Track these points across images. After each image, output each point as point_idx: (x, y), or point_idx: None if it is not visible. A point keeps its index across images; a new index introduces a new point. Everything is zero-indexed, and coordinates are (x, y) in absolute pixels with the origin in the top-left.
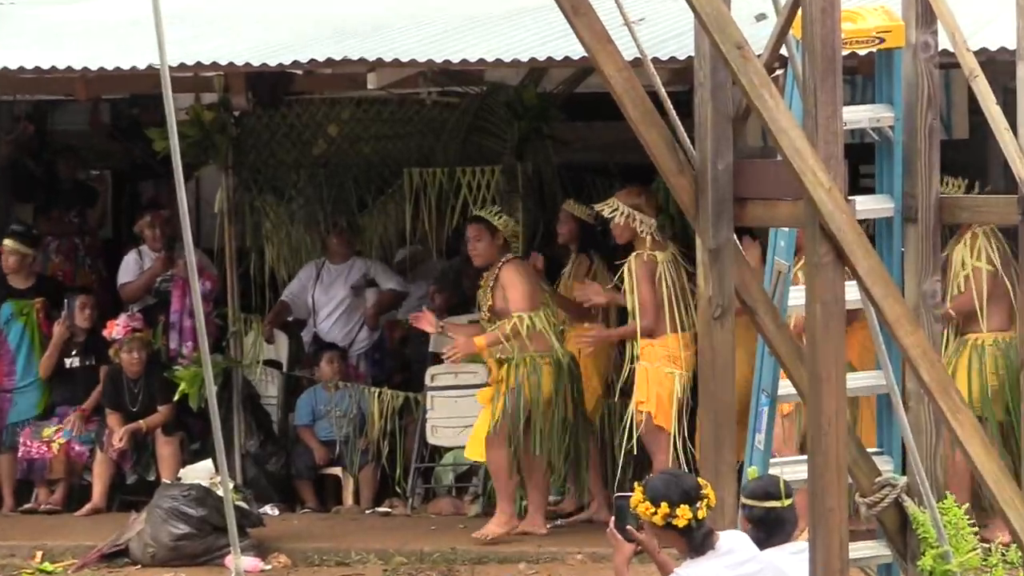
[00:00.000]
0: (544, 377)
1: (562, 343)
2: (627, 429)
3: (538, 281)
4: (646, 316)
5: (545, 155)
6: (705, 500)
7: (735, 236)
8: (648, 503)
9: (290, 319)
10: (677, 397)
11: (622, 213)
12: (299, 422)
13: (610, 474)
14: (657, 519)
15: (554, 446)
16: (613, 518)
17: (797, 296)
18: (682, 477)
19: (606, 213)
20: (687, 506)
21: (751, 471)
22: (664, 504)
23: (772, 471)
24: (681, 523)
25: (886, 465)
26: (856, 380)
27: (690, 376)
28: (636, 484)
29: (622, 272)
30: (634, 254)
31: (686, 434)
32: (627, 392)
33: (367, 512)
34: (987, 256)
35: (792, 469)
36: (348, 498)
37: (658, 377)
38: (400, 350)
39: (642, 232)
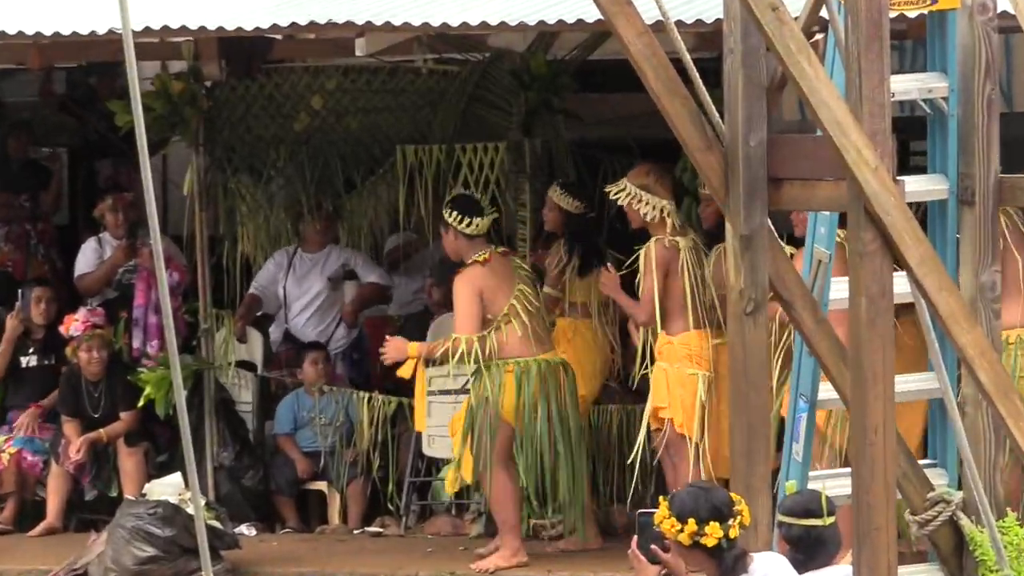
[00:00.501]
0: (506, 388)
1: (547, 347)
2: (642, 439)
3: (495, 281)
4: (641, 310)
5: (555, 130)
6: (738, 517)
7: (769, 221)
8: (674, 519)
9: (260, 314)
10: (701, 400)
11: (628, 194)
12: (279, 431)
13: (604, 490)
14: (684, 537)
15: (524, 463)
16: (635, 537)
17: (839, 288)
18: (712, 491)
19: (612, 195)
20: (717, 523)
21: (789, 485)
22: (691, 520)
23: (812, 485)
24: (710, 542)
25: (939, 479)
26: (906, 383)
27: (713, 377)
28: (660, 499)
29: (637, 258)
30: (653, 239)
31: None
32: (612, 395)
33: (356, 532)
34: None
35: (835, 483)
36: (334, 516)
37: (680, 378)
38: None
39: (649, 216)
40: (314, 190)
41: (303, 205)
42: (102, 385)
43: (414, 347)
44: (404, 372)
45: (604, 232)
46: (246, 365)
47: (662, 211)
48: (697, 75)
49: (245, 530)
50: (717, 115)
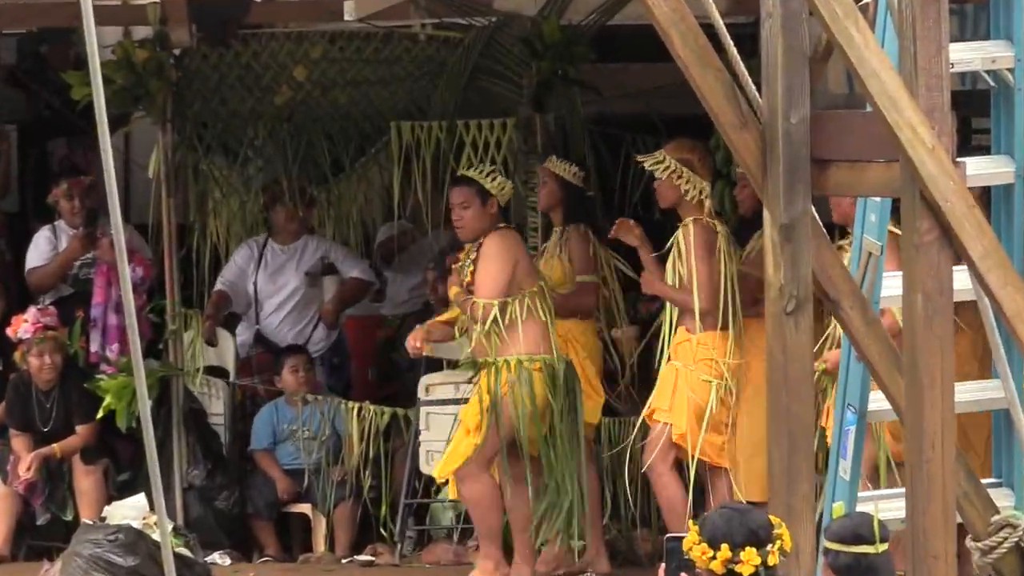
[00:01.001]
0: (536, 386)
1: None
2: (631, 444)
3: (528, 260)
4: (707, 297)
5: (570, 105)
6: (777, 543)
7: (813, 207)
8: (705, 545)
9: (228, 313)
10: (712, 412)
11: (667, 167)
12: (257, 446)
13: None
14: (716, 565)
15: (561, 474)
16: (663, 565)
17: (892, 285)
18: (748, 513)
19: (648, 166)
20: (754, 549)
21: (836, 507)
22: (725, 546)
23: (862, 507)
24: (746, 570)
25: (1005, 500)
26: (967, 392)
27: (731, 389)
28: (690, 522)
29: (673, 243)
30: (691, 218)
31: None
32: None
33: (344, 561)
34: None
35: (887, 505)
36: (320, 543)
37: (691, 383)
38: (386, 355)
39: (689, 195)
40: (296, 173)
41: (282, 190)
42: (55, 394)
43: (454, 289)
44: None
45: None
46: (217, 371)
47: (700, 193)
48: (731, 43)
49: (218, 559)
50: (754, 88)
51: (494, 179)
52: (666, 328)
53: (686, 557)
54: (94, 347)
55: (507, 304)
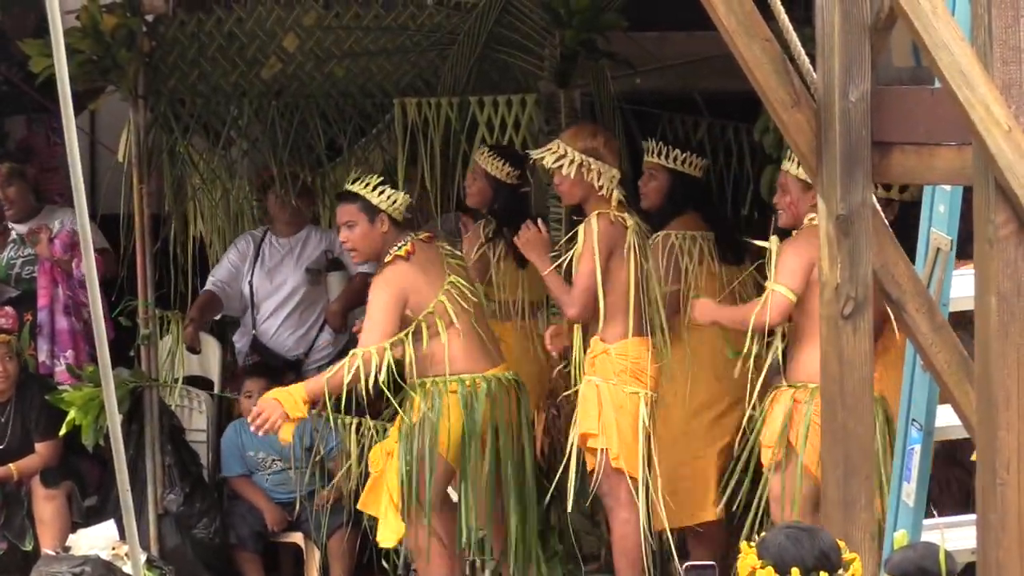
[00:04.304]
0: (452, 410)
1: (496, 359)
2: (572, 472)
3: (433, 278)
4: (577, 301)
5: (599, 80)
6: (850, 568)
7: (873, 198)
8: (770, 569)
9: (219, 317)
10: (645, 426)
11: (571, 161)
12: (228, 473)
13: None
14: None
15: (465, 507)
16: None
17: (963, 285)
18: (818, 533)
19: (548, 161)
20: (826, 574)
21: (898, 537)
22: (796, 571)
23: (927, 536)
24: None
25: None
26: None
27: (654, 397)
28: (745, 544)
29: (574, 236)
30: (595, 212)
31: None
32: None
33: None
34: None
35: (956, 534)
36: None
37: (617, 400)
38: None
39: (601, 187)
40: (287, 156)
41: (272, 176)
42: (11, 408)
43: (300, 390)
44: (285, 436)
45: (739, 226)
46: (200, 382)
47: (611, 182)
48: (782, 10)
49: None
50: (808, 62)
51: (382, 192)
52: (577, 340)
53: None
54: (42, 356)
55: (397, 345)
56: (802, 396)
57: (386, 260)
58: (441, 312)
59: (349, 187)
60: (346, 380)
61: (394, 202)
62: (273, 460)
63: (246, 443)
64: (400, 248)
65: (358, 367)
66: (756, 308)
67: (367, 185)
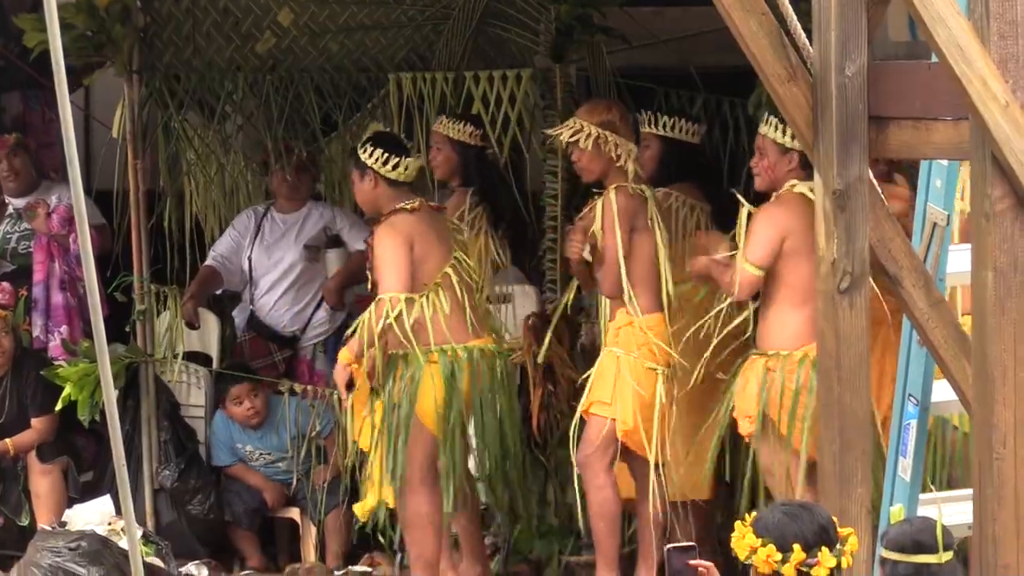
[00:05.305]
0: (432, 381)
1: (481, 332)
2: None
3: (438, 242)
4: (607, 276)
5: (595, 55)
6: (847, 543)
7: (871, 172)
8: (772, 547)
9: (220, 292)
10: (662, 402)
11: (588, 135)
12: (219, 463)
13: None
14: (788, 569)
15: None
16: None
17: (960, 259)
18: (815, 509)
19: (565, 136)
20: (827, 549)
21: (895, 511)
22: (798, 547)
23: (923, 511)
24: (822, 573)
25: None
26: None
27: (672, 375)
28: (740, 524)
29: (590, 210)
30: (613, 186)
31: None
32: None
33: (337, 573)
34: None
35: (953, 509)
36: (309, 553)
37: (636, 373)
38: None
39: (620, 160)
40: (282, 131)
41: (269, 151)
42: (6, 383)
43: (344, 354)
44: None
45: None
46: (198, 358)
47: (628, 155)
48: None
49: (194, 569)
50: (804, 36)
51: (365, 150)
52: (603, 310)
53: (688, 566)
54: (36, 331)
55: (413, 302)
56: (774, 364)
57: (388, 212)
58: (447, 285)
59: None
60: (378, 329)
61: (377, 160)
62: (261, 454)
63: (235, 437)
64: (409, 203)
65: (386, 312)
66: (728, 280)
67: (361, 141)
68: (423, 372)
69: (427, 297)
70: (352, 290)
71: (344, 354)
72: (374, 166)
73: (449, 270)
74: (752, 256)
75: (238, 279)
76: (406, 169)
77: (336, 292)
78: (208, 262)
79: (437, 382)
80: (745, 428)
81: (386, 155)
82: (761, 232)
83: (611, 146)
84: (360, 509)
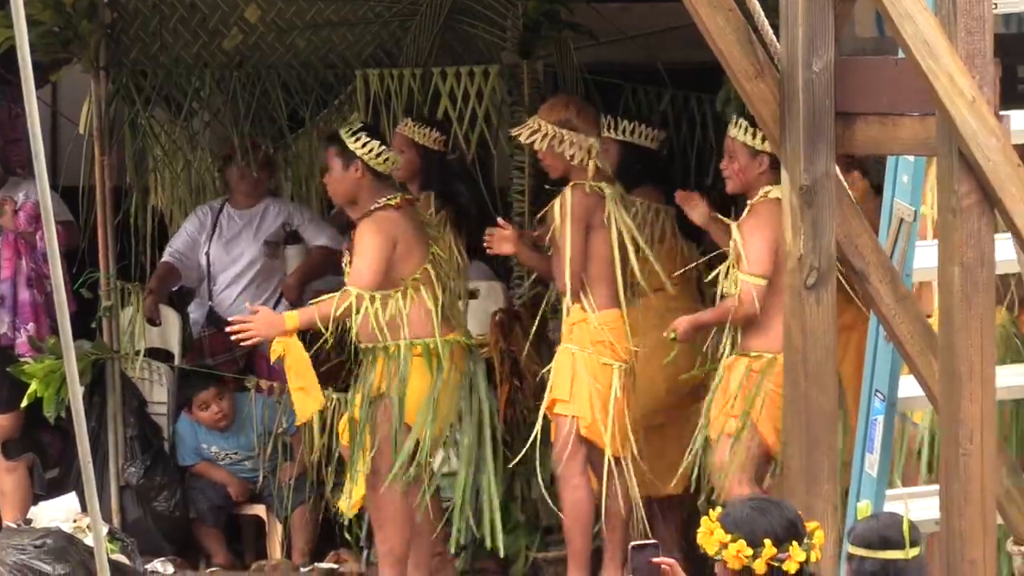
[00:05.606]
0: (415, 374)
1: (453, 326)
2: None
3: (418, 238)
4: (559, 273)
5: (562, 51)
6: (814, 537)
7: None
8: (742, 543)
9: (177, 288)
10: (616, 397)
11: (545, 135)
12: (183, 462)
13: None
14: (759, 565)
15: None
16: None
17: (927, 255)
18: (782, 505)
19: (523, 137)
20: (797, 544)
21: (861, 507)
22: (768, 542)
23: (891, 507)
24: (792, 568)
25: None
26: (1010, 376)
27: (630, 370)
28: (706, 519)
29: (548, 210)
30: (571, 184)
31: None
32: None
33: (303, 570)
34: None
35: (920, 504)
36: (275, 549)
37: (592, 368)
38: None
39: (578, 159)
40: (249, 128)
41: (234, 147)
42: None
43: (292, 317)
44: (280, 354)
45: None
46: (159, 354)
47: (589, 152)
48: None
49: (160, 567)
50: (771, 32)
51: (358, 139)
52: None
53: (651, 563)
54: (3, 328)
55: (388, 299)
56: (758, 366)
57: (373, 208)
58: (426, 280)
59: (337, 129)
60: (334, 314)
61: (370, 150)
62: (228, 454)
63: (201, 438)
64: (391, 199)
65: (349, 304)
66: (733, 303)
67: (348, 129)
68: (409, 366)
69: (404, 292)
70: (311, 286)
71: (292, 318)
72: (364, 156)
73: (428, 266)
74: (754, 268)
75: (195, 275)
76: (393, 163)
77: (295, 288)
78: (165, 258)
79: (422, 375)
80: (728, 427)
81: (380, 146)
82: (756, 244)
83: (565, 145)
84: (345, 504)
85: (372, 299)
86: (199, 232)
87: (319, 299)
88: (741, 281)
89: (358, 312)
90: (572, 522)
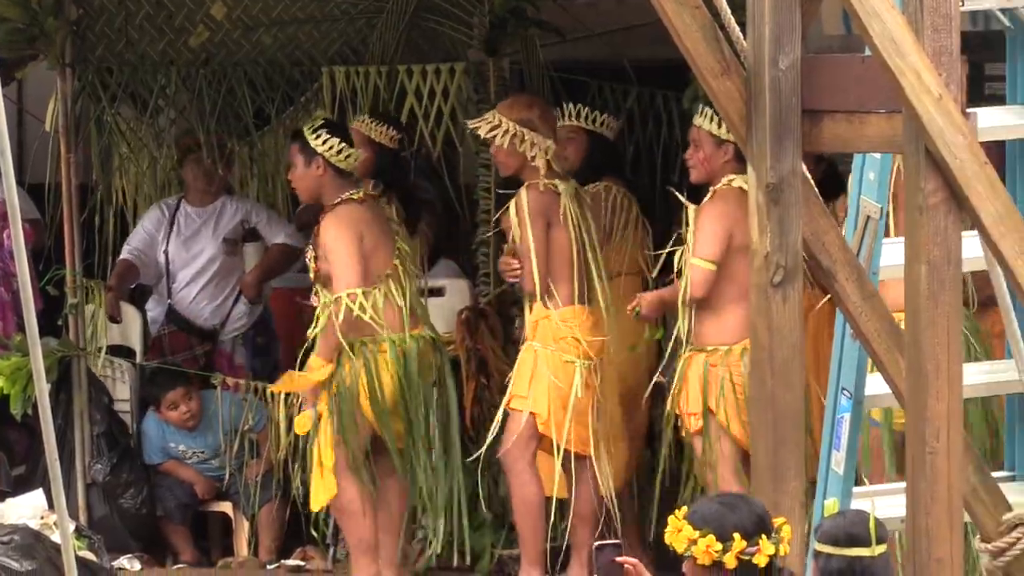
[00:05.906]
0: (383, 370)
1: (417, 321)
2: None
3: (384, 233)
4: (523, 272)
5: (528, 48)
6: (782, 531)
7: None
8: (712, 538)
9: (134, 286)
10: (577, 396)
11: (506, 131)
12: (150, 461)
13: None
14: (729, 559)
15: (419, 470)
16: None
17: (893, 253)
18: (750, 499)
19: (483, 132)
20: (766, 537)
21: (828, 505)
22: (738, 536)
23: (857, 504)
24: (762, 561)
25: (1018, 495)
26: (977, 374)
27: (594, 367)
28: (674, 517)
29: (504, 211)
30: (525, 184)
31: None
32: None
33: (270, 567)
34: None
35: (886, 502)
36: (242, 547)
37: (553, 366)
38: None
39: (535, 159)
40: (214, 125)
41: (196, 143)
42: None
43: (319, 365)
44: (301, 426)
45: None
46: (121, 351)
47: (546, 153)
48: None
49: (126, 563)
50: (738, 30)
51: (318, 136)
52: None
53: (614, 561)
54: None
55: (370, 295)
56: (715, 360)
57: (335, 202)
58: (395, 276)
59: (301, 127)
60: (338, 328)
61: (331, 148)
62: (195, 452)
63: (168, 437)
64: (355, 193)
65: (347, 308)
66: (682, 285)
67: (310, 127)
68: (376, 361)
69: (379, 289)
70: (269, 284)
71: (316, 361)
72: (325, 153)
73: (397, 261)
74: (703, 252)
75: (153, 272)
76: (355, 160)
77: (254, 286)
78: (124, 256)
79: (391, 370)
80: (693, 424)
81: (341, 144)
82: (709, 228)
83: (526, 145)
84: (315, 499)
85: (366, 295)
86: (157, 229)
87: (315, 326)
88: (689, 264)
89: (361, 311)
90: (521, 516)
